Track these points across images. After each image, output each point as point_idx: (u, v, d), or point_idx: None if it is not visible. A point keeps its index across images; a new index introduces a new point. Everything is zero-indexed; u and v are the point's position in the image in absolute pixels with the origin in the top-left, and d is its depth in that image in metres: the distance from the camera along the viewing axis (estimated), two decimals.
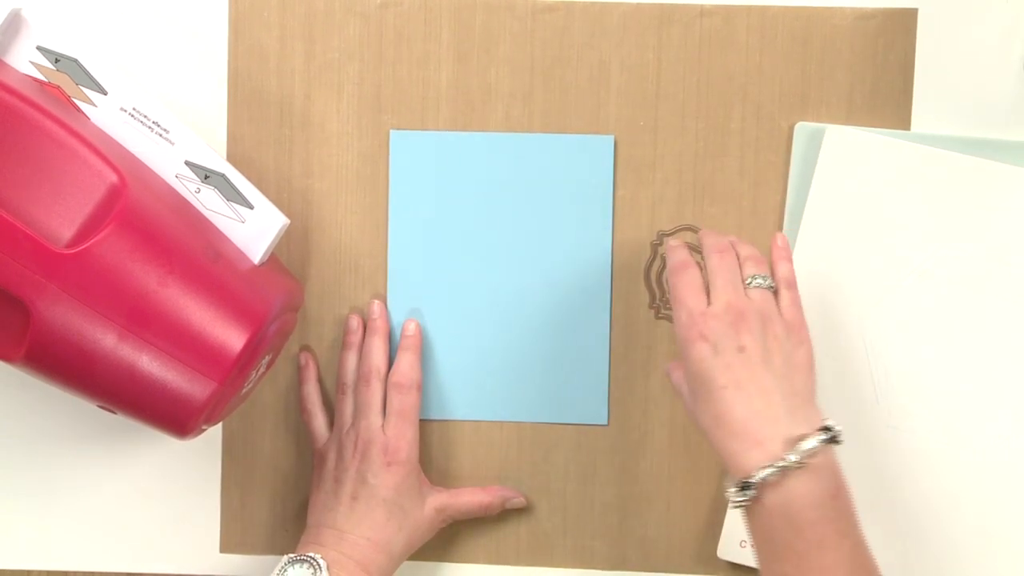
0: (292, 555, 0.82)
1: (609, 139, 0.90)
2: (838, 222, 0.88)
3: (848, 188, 0.88)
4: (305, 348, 0.92)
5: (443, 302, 0.91)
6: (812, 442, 0.74)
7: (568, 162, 0.90)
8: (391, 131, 0.91)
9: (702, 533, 0.91)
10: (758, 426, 0.75)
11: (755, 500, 0.74)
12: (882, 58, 0.89)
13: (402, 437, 0.87)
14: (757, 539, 0.76)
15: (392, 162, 0.91)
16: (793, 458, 0.74)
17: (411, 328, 0.91)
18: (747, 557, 0.90)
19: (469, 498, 0.90)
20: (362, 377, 0.89)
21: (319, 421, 0.91)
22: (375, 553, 0.84)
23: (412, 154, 0.91)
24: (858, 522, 0.76)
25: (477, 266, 0.91)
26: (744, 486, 0.74)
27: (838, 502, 0.75)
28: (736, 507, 0.76)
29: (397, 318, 0.92)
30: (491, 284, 0.91)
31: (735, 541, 0.90)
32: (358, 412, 0.88)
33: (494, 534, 0.93)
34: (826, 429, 0.75)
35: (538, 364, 0.91)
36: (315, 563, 0.81)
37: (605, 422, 0.91)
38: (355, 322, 0.91)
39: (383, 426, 0.87)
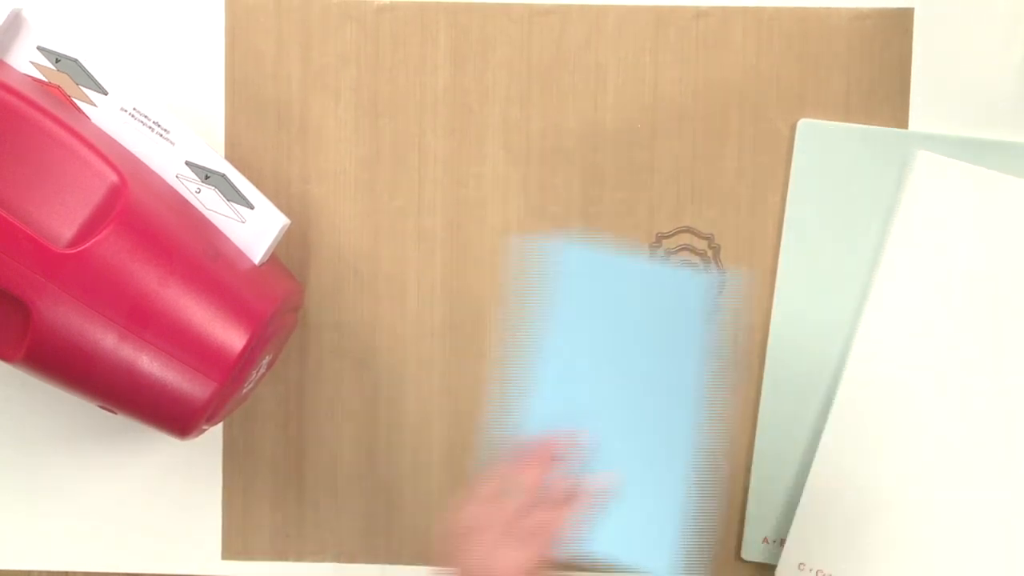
0: None
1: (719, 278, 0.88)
2: (924, 250, 0.88)
3: (937, 216, 0.88)
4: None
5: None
6: None
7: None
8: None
9: (720, 534, 0.91)
10: None
11: None
12: (879, 58, 0.89)
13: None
14: None
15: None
16: None
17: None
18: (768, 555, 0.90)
19: None
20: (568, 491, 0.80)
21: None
22: None
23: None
24: None
25: (614, 387, 0.83)
26: None
27: None
28: None
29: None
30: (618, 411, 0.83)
31: (757, 540, 0.90)
32: (543, 501, 0.79)
33: None
34: None
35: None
36: None
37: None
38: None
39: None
